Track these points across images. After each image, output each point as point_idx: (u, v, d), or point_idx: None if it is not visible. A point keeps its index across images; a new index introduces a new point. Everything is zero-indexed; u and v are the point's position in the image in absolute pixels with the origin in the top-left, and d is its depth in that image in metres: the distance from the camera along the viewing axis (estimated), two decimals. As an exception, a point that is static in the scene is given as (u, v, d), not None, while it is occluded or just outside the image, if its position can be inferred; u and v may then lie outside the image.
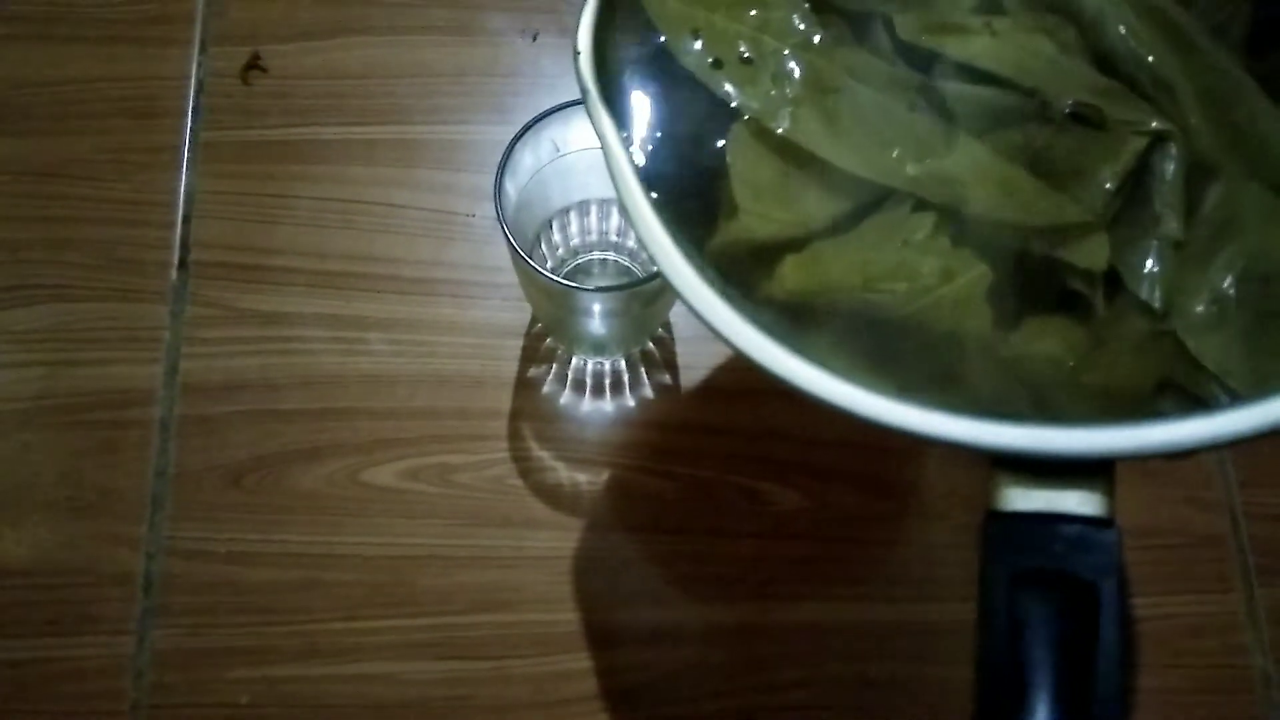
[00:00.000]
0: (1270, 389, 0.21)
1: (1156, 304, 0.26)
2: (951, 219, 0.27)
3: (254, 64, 0.53)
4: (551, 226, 0.45)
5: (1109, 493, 0.22)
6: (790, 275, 0.26)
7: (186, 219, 0.50)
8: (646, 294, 0.39)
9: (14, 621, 0.44)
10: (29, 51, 0.53)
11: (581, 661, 0.45)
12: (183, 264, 0.50)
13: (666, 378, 0.49)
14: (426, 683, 0.44)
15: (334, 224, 0.50)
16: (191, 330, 0.49)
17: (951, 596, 0.46)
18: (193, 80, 0.53)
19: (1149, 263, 0.26)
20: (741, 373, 0.49)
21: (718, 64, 0.28)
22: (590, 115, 0.27)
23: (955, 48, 0.28)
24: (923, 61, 0.28)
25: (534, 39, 0.54)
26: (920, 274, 0.26)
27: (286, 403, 0.48)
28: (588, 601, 0.45)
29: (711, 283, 0.25)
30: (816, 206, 0.27)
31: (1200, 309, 0.25)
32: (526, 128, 0.39)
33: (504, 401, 0.48)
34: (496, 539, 0.46)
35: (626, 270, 0.48)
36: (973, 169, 0.27)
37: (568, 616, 0.45)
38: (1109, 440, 0.22)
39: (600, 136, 0.26)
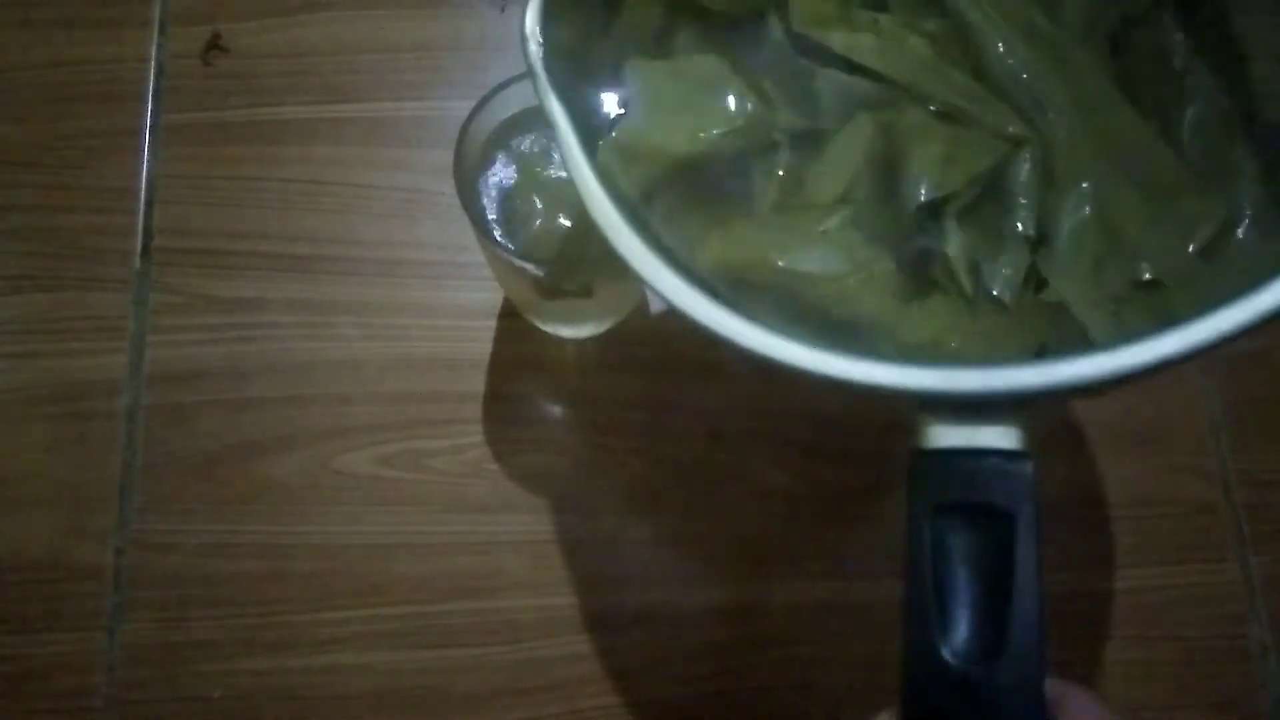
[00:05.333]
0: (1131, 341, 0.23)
1: (1006, 299, 0.29)
2: (857, 215, 0.29)
3: (214, 44, 0.51)
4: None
5: (1024, 427, 0.24)
6: (714, 247, 0.28)
7: (149, 204, 0.49)
8: (593, 266, 0.38)
9: (-18, 619, 0.44)
10: (-18, 36, 0.51)
11: (561, 647, 0.44)
12: (146, 251, 0.48)
13: (643, 355, 0.48)
14: (403, 672, 0.43)
15: (300, 205, 0.49)
16: (156, 318, 0.47)
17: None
18: (152, 62, 0.51)
19: (1003, 258, 0.30)
20: (724, 348, 0.48)
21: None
22: (540, 97, 0.27)
23: (838, 41, 0.30)
24: (811, 52, 0.31)
25: (502, 9, 0.53)
26: (831, 261, 0.28)
27: (255, 390, 0.47)
28: (567, 586, 0.44)
29: (655, 251, 0.26)
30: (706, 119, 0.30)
31: (1097, 303, 0.28)
32: (484, 100, 0.38)
33: (478, 383, 0.47)
34: (473, 524, 0.45)
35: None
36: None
37: (546, 602, 0.44)
38: (1009, 378, 0.23)
39: (553, 121, 0.27)
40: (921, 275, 0.29)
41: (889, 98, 0.30)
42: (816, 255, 0.29)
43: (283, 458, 0.46)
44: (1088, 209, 0.30)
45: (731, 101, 0.30)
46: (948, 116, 0.30)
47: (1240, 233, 0.28)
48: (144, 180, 0.49)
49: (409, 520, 0.45)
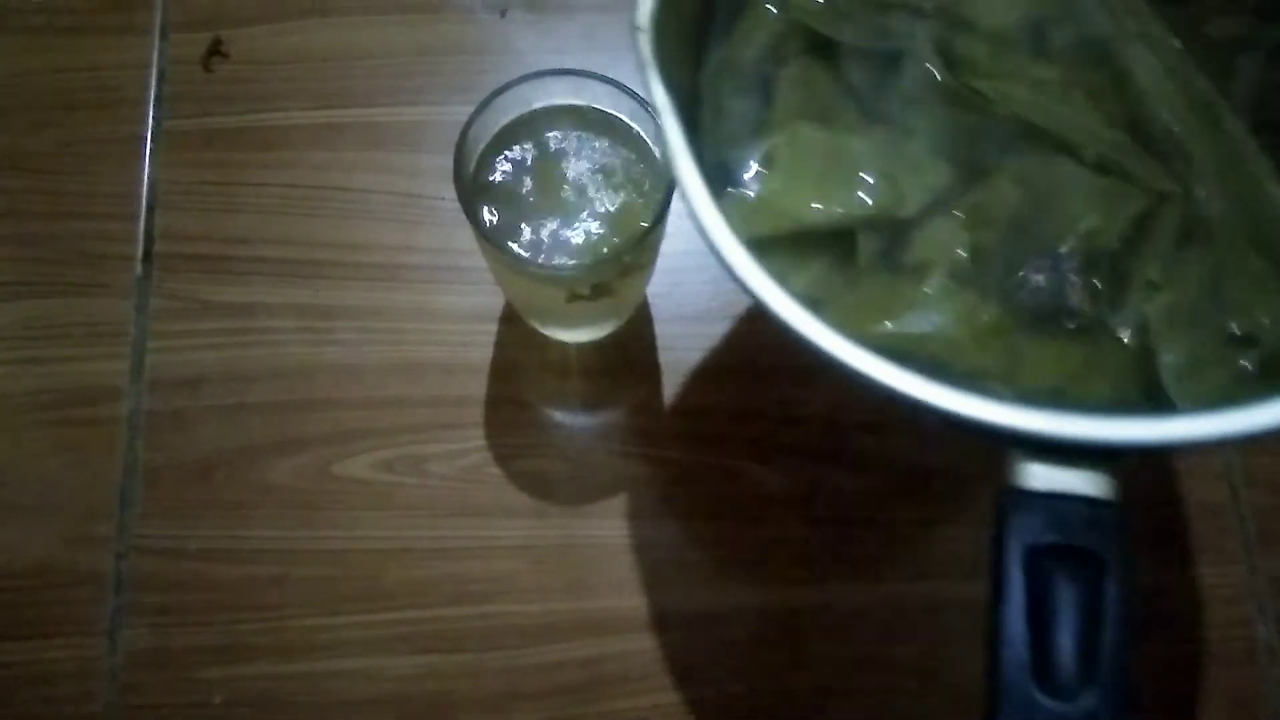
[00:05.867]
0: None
1: (1125, 339, 0.30)
2: (956, 270, 0.31)
3: (215, 49, 0.52)
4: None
5: (1117, 476, 0.25)
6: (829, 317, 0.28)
7: (150, 210, 0.49)
8: (621, 270, 0.38)
9: (-17, 625, 0.44)
10: (-16, 43, 0.52)
11: (562, 653, 0.43)
12: (147, 256, 0.48)
13: (645, 359, 0.48)
14: (404, 678, 0.43)
15: (300, 211, 0.49)
16: (157, 324, 0.47)
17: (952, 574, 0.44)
18: (154, 68, 0.51)
19: (1133, 300, 0.31)
20: (723, 353, 0.48)
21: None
22: (649, 89, 0.29)
23: (999, 94, 0.32)
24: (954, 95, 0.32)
25: (503, 14, 0.53)
26: (936, 320, 0.30)
27: (255, 395, 0.46)
28: (567, 591, 0.44)
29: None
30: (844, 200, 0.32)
31: (1179, 359, 0.30)
32: (484, 104, 0.38)
33: (478, 388, 0.47)
34: (473, 529, 0.45)
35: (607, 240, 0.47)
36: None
37: (548, 606, 0.44)
38: (1116, 429, 0.24)
39: (661, 118, 0.29)
40: (1036, 319, 0.31)
41: (1032, 145, 0.32)
42: (923, 317, 0.30)
43: (283, 463, 0.46)
44: (1208, 264, 0.31)
45: (868, 189, 0.32)
46: (1099, 167, 0.32)
47: None
48: (145, 186, 0.49)
49: (409, 525, 0.45)
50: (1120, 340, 0.31)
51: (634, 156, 0.39)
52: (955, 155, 0.32)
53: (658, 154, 0.38)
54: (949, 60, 0.33)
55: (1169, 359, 0.30)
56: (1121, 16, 0.33)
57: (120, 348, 0.47)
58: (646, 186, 0.39)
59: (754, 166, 0.32)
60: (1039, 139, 0.32)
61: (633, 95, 0.37)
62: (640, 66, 0.29)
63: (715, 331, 0.48)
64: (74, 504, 0.45)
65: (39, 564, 0.44)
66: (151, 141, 0.50)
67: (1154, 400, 0.30)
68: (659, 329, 0.48)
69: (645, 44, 0.29)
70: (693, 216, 0.28)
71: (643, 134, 0.39)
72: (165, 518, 0.45)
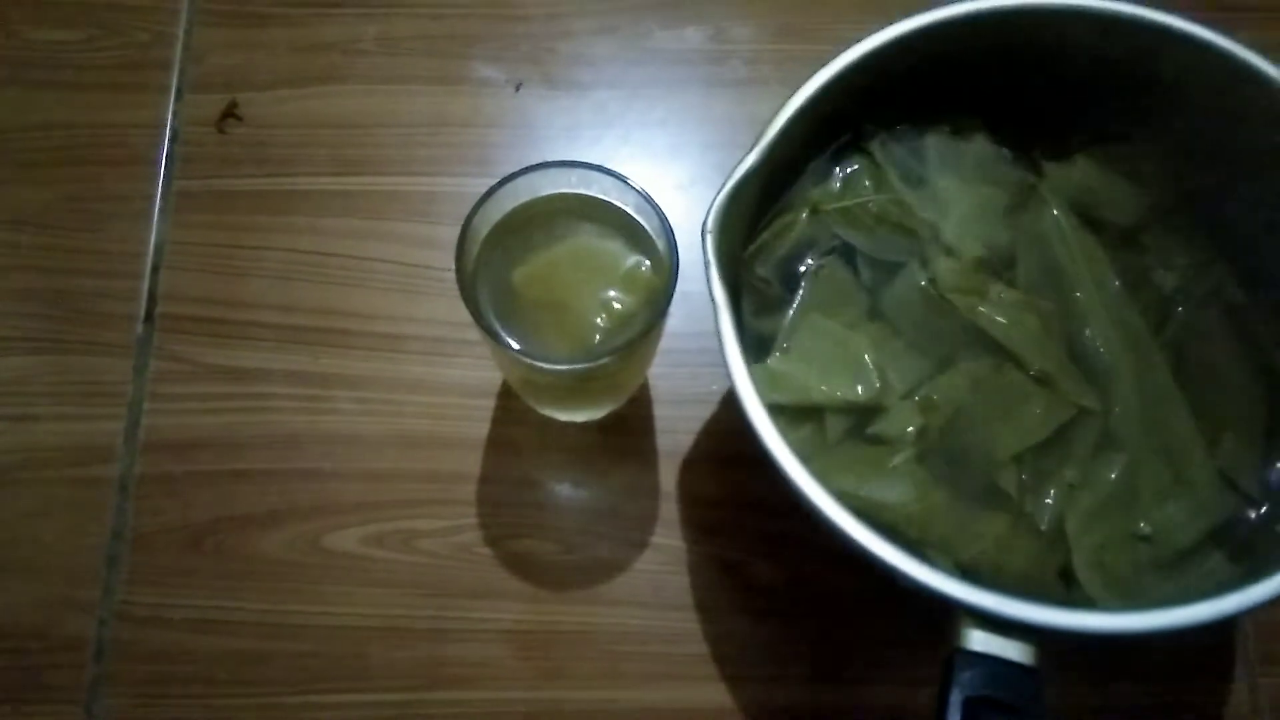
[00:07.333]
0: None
1: (1043, 527, 0.36)
2: (918, 450, 0.37)
3: (230, 112, 0.52)
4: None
5: (1039, 646, 0.31)
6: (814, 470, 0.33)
7: (155, 270, 0.49)
8: (613, 365, 0.38)
9: (-41, 688, 0.43)
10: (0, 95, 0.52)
11: (544, 743, 0.43)
12: (149, 317, 0.48)
13: (642, 442, 0.47)
14: (381, 762, 0.42)
15: (304, 276, 0.49)
16: (155, 385, 0.47)
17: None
18: (168, 128, 0.52)
19: (1052, 496, 0.37)
20: (720, 439, 0.47)
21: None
22: (710, 285, 0.34)
23: (967, 305, 0.38)
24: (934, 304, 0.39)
25: (517, 89, 0.53)
26: (899, 491, 0.36)
27: (249, 462, 0.46)
28: (550, 680, 0.43)
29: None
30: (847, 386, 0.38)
31: (1090, 546, 0.36)
32: (490, 192, 0.38)
33: (473, 465, 0.47)
34: (459, 610, 0.44)
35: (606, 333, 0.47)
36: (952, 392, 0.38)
37: (533, 695, 0.43)
38: (1042, 614, 0.31)
39: (715, 306, 0.34)
40: (978, 502, 0.37)
41: (988, 351, 0.38)
42: (888, 487, 0.36)
43: (273, 533, 0.45)
44: (1117, 472, 0.37)
45: (866, 382, 0.38)
46: (1039, 380, 0.38)
47: (1238, 535, 0.36)
48: (151, 246, 0.50)
49: (396, 603, 0.44)
50: (1037, 527, 0.36)
51: (636, 250, 0.39)
52: (928, 351, 0.39)
53: (660, 248, 0.38)
54: (932, 275, 0.39)
55: (1081, 549, 0.36)
56: (1077, 255, 0.39)
57: (116, 408, 0.47)
58: (647, 281, 0.38)
59: (781, 343, 0.38)
60: (994, 348, 0.38)
61: (638, 191, 0.37)
62: (705, 265, 0.34)
63: (715, 415, 0.48)
64: (59, 566, 0.45)
65: (19, 626, 0.44)
66: (160, 201, 0.50)
67: (1065, 580, 0.36)
68: (658, 410, 0.48)
69: (711, 245, 0.34)
70: (730, 379, 0.33)
71: (646, 227, 0.39)
72: (151, 584, 0.44)
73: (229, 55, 0.53)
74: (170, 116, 0.52)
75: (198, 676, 0.43)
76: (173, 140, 0.52)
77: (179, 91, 0.52)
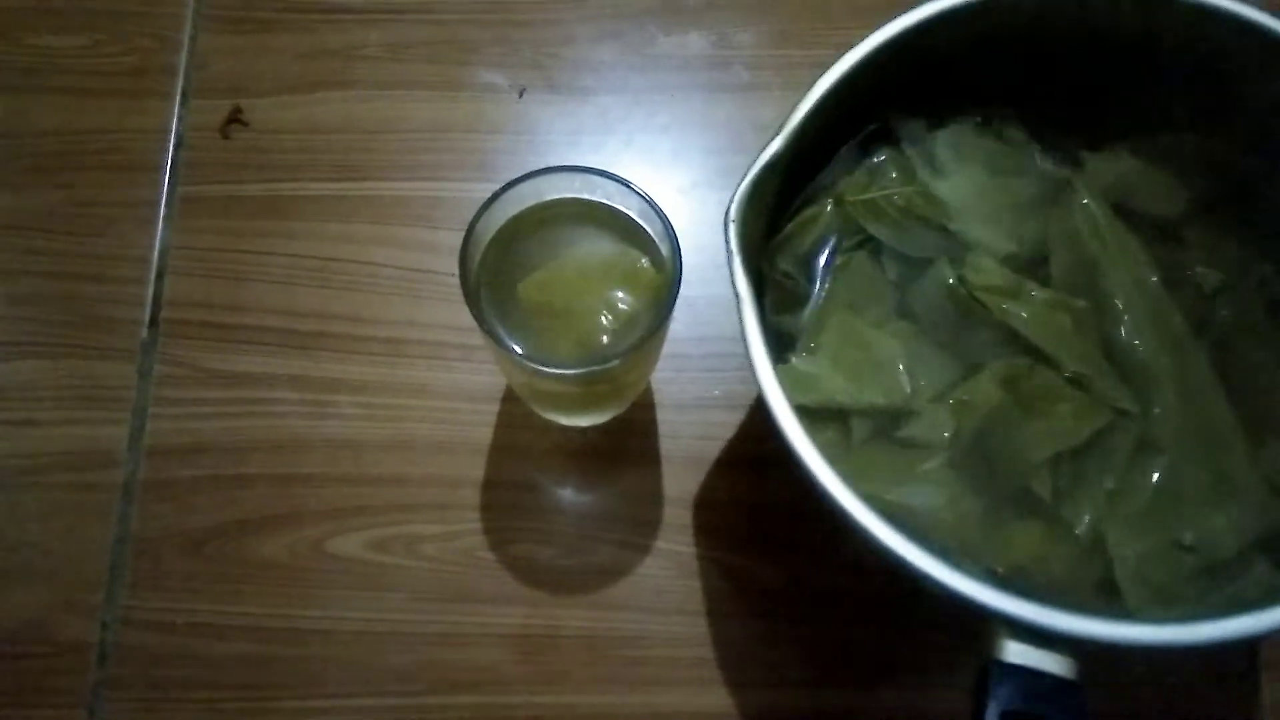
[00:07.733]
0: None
1: (1078, 533, 0.35)
2: (952, 455, 0.35)
3: (235, 118, 0.52)
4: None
5: (1080, 659, 0.29)
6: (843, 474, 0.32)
7: (159, 275, 0.49)
8: (618, 368, 0.38)
9: (-37, 692, 0.43)
10: (5, 101, 0.52)
11: (547, 748, 0.43)
12: (153, 322, 0.48)
13: (645, 447, 0.47)
14: (384, 767, 0.42)
15: (308, 282, 0.49)
16: (159, 390, 0.47)
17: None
18: (172, 134, 0.52)
19: (1090, 503, 0.35)
20: (723, 443, 0.47)
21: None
22: (733, 276, 0.33)
23: (998, 305, 0.37)
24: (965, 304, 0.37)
25: (520, 95, 0.53)
26: (929, 497, 0.35)
27: (252, 467, 0.46)
28: (554, 684, 0.43)
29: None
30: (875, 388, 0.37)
31: (1130, 559, 0.34)
32: (494, 197, 0.38)
33: (476, 469, 0.47)
34: (462, 614, 0.44)
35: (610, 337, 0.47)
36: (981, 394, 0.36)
37: (536, 699, 0.43)
38: (1080, 625, 0.29)
39: (738, 296, 0.33)
40: (1011, 509, 0.35)
41: (1020, 352, 0.37)
42: (919, 492, 0.35)
43: (275, 538, 0.45)
44: (1158, 478, 0.35)
45: (897, 386, 0.36)
46: (1073, 381, 0.36)
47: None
48: (156, 251, 0.50)
49: (399, 607, 0.44)
50: (1074, 535, 0.35)
51: (640, 254, 0.39)
52: (958, 352, 0.37)
53: (663, 251, 0.38)
54: (961, 272, 0.37)
55: (1122, 559, 0.34)
56: (1112, 251, 0.37)
57: (121, 413, 0.47)
58: (650, 285, 0.39)
59: (807, 343, 0.37)
60: (1026, 349, 0.37)
61: (641, 195, 0.37)
62: (727, 256, 0.33)
63: (718, 420, 0.48)
64: (63, 571, 0.45)
65: (22, 630, 0.44)
66: (165, 206, 0.51)
67: (1105, 591, 0.34)
68: (661, 415, 0.48)
69: (734, 235, 0.33)
70: (756, 381, 0.32)
71: (649, 231, 0.39)
72: (154, 589, 0.44)
73: (233, 61, 0.53)
74: (175, 122, 0.52)
75: (200, 681, 0.43)
76: (177, 146, 0.52)
77: (183, 97, 0.53)
